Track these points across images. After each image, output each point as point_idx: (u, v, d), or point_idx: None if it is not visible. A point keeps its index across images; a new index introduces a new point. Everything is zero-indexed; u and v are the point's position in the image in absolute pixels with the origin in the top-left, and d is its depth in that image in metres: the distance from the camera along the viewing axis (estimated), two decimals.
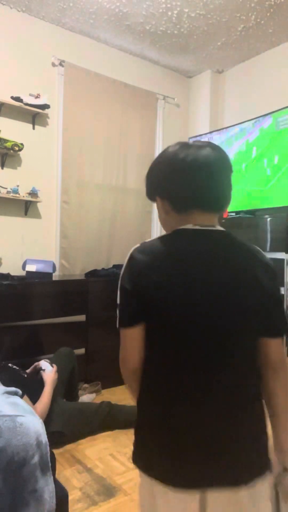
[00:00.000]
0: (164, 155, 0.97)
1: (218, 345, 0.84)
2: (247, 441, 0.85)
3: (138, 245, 0.92)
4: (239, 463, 0.82)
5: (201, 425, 0.83)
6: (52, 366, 2.32)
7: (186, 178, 0.88)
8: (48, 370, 2.26)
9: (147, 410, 0.90)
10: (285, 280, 2.86)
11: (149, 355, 0.89)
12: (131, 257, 0.89)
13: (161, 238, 0.91)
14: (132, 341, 0.90)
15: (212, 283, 0.84)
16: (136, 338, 0.88)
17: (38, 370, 2.28)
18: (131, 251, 0.90)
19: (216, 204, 0.91)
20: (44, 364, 2.33)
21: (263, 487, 0.85)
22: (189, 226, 0.89)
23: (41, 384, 2.18)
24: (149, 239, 0.93)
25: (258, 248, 0.94)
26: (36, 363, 2.37)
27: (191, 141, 1.01)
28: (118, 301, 0.90)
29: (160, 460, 0.84)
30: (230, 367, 0.85)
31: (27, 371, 2.34)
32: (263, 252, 0.93)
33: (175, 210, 0.92)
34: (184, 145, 0.91)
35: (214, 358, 0.84)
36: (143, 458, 0.89)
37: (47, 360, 2.41)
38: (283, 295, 2.87)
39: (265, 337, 0.89)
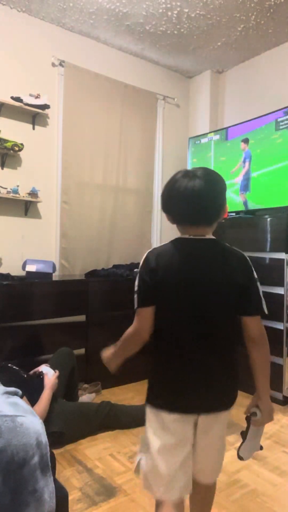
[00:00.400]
0: (170, 181, 1.29)
1: (203, 319, 1.19)
2: (225, 384, 1.24)
3: (150, 249, 1.26)
4: (221, 398, 1.24)
5: (193, 373, 1.21)
6: (55, 371, 2.31)
7: (179, 203, 1.22)
8: (50, 374, 2.26)
9: (157, 365, 1.30)
10: (285, 280, 2.86)
11: (157, 327, 1.23)
12: (146, 258, 1.23)
13: (166, 245, 1.25)
14: (146, 317, 1.22)
15: (199, 276, 1.19)
16: (148, 315, 1.22)
17: (38, 375, 2.28)
18: (146, 253, 1.24)
19: (202, 221, 1.22)
20: (45, 368, 2.32)
21: (230, 411, 1.28)
22: (186, 236, 1.24)
23: (41, 385, 2.18)
24: (161, 244, 1.27)
25: (239, 250, 1.26)
26: (37, 369, 2.35)
27: (189, 168, 1.42)
28: (135, 289, 1.22)
29: (167, 397, 1.26)
30: (211, 334, 1.20)
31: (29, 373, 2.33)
32: (242, 254, 1.25)
33: (176, 223, 1.26)
34: (184, 175, 1.25)
35: (200, 328, 1.19)
36: (154, 398, 1.32)
37: (47, 364, 2.40)
38: (282, 294, 2.88)
39: (245, 315, 1.21)
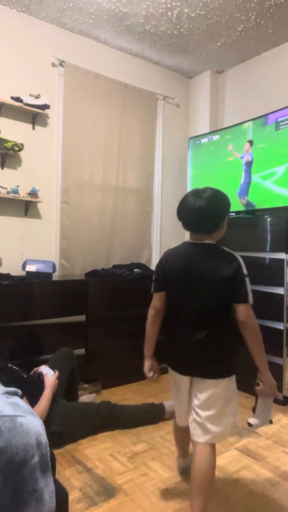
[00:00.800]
0: (184, 197, 1.64)
1: (194, 304, 1.58)
2: (209, 357, 1.58)
3: (166, 250, 1.75)
4: (205, 367, 1.58)
5: (186, 344, 1.61)
6: (54, 372, 2.31)
7: (185, 216, 1.62)
8: (50, 375, 2.26)
9: (167, 337, 1.70)
10: (285, 280, 2.86)
11: (167, 309, 1.70)
12: (161, 257, 1.73)
13: (177, 246, 1.71)
14: (157, 299, 1.72)
15: (192, 271, 1.59)
16: (159, 298, 1.71)
17: (38, 375, 2.27)
18: (164, 254, 1.74)
19: (201, 230, 1.62)
20: (45, 369, 2.32)
21: (221, 383, 1.58)
22: (190, 240, 1.67)
23: (40, 385, 2.18)
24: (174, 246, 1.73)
25: (231, 252, 1.59)
26: (36, 368, 2.36)
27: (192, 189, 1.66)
28: (153, 279, 1.73)
29: (172, 360, 1.71)
30: (201, 316, 1.57)
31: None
32: (233, 255, 1.58)
33: (185, 230, 1.68)
34: (193, 193, 1.60)
35: (192, 311, 1.59)
36: (166, 359, 1.73)
37: (46, 365, 2.40)
38: (282, 294, 2.88)
39: (234, 303, 1.53)
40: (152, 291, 1.74)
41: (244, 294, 1.51)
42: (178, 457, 2.02)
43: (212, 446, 1.60)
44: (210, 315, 1.56)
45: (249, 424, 1.58)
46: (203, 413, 1.59)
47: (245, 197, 3.36)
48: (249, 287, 1.53)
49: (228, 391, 1.60)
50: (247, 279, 1.53)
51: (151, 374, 1.79)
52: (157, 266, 1.72)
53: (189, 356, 1.62)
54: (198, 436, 1.60)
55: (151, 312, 1.76)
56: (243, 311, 1.51)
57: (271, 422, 1.63)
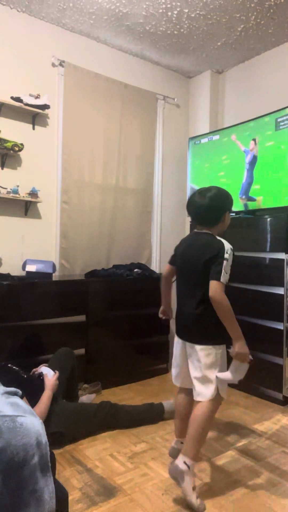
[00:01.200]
0: (191, 194, 2.01)
1: (188, 279, 1.94)
2: (195, 325, 1.89)
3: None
4: (191, 333, 1.91)
5: (182, 312, 1.98)
6: (55, 372, 2.31)
7: (191, 212, 1.99)
8: (50, 375, 2.26)
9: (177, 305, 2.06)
10: (285, 280, 2.86)
11: (176, 279, 2.08)
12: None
13: (187, 235, 2.11)
14: (169, 270, 2.17)
15: (189, 254, 1.95)
16: (168, 268, 2.17)
17: (39, 375, 2.27)
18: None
19: (204, 224, 1.95)
20: (45, 369, 2.32)
21: (207, 349, 1.84)
22: (195, 230, 2.02)
23: (40, 386, 2.18)
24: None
25: (220, 240, 1.87)
26: (35, 369, 2.35)
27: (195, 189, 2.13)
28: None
29: (176, 325, 2.03)
30: (193, 289, 1.90)
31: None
32: (220, 243, 1.85)
33: (193, 222, 2.06)
34: (199, 192, 1.96)
35: (187, 284, 1.95)
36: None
37: (46, 365, 2.40)
38: (282, 294, 2.88)
39: (209, 280, 1.79)
40: (168, 262, 2.19)
41: (217, 273, 1.77)
42: (175, 440, 2.09)
43: (208, 401, 1.83)
44: (198, 289, 1.86)
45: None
46: (196, 377, 1.88)
47: (246, 196, 3.36)
48: (226, 269, 1.77)
49: (209, 358, 1.83)
50: (225, 262, 1.77)
51: (161, 315, 2.29)
52: (175, 249, 2.14)
53: (184, 323, 1.96)
54: (194, 394, 1.90)
55: (162, 276, 2.24)
56: (213, 287, 1.76)
57: (238, 383, 1.87)
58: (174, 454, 2.04)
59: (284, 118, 3.08)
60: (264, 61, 3.70)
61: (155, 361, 3.47)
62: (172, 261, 2.13)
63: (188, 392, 2.00)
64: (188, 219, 4.10)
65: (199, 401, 1.85)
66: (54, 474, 1.10)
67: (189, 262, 1.92)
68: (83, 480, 1.95)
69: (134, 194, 3.85)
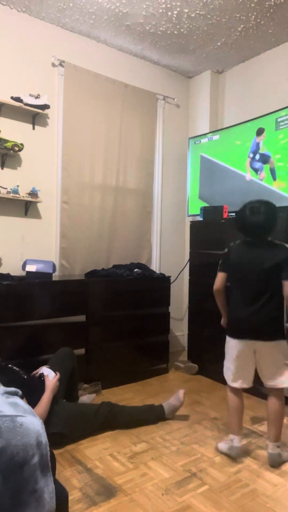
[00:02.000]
0: (240, 212, 2.16)
1: (258, 279, 2.08)
2: (271, 324, 2.08)
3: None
4: (267, 333, 2.07)
5: (249, 316, 2.09)
6: (56, 373, 2.30)
7: (245, 231, 2.17)
8: (51, 376, 2.25)
9: (229, 309, 2.26)
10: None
11: (231, 286, 2.23)
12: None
13: (238, 243, 2.24)
14: (223, 278, 2.26)
15: (252, 259, 2.12)
16: (225, 276, 2.26)
17: (39, 376, 2.27)
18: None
19: (261, 236, 2.13)
20: (46, 370, 2.31)
21: (279, 344, 2.08)
22: (247, 238, 2.19)
23: (41, 386, 2.17)
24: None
25: (282, 243, 2.11)
26: (37, 370, 2.35)
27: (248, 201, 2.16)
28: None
29: (232, 330, 2.19)
30: (260, 292, 2.07)
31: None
32: (285, 245, 2.09)
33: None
34: (249, 209, 2.10)
35: (257, 283, 2.09)
36: (228, 331, 2.21)
37: (48, 366, 2.40)
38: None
39: (283, 280, 2.04)
40: (218, 270, 2.28)
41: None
42: (233, 436, 2.19)
43: (281, 390, 2.12)
44: (266, 290, 2.06)
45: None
46: (266, 369, 2.12)
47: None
48: None
49: (283, 350, 2.08)
50: None
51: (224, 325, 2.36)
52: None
53: (254, 324, 2.10)
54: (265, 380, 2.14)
55: (217, 288, 2.31)
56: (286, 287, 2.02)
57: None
58: (236, 453, 2.17)
59: (284, 118, 3.08)
60: (264, 61, 3.70)
61: (155, 361, 3.47)
62: (224, 269, 2.24)
63: (241, 391, 2.21)
64: (189, 219, 4.10)
65: (275, 394, 2.11)
66: (54, 474, 1.10)
67: (253, 266, 2.07)
68: (83, 480, 1.95)
69: (134, 194, 3.85)
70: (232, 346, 2.16)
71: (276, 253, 2.04)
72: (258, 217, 2.04)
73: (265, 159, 3.24)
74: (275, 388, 2.12)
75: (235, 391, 2.20)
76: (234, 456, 2.16)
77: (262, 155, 3.27)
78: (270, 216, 2.06)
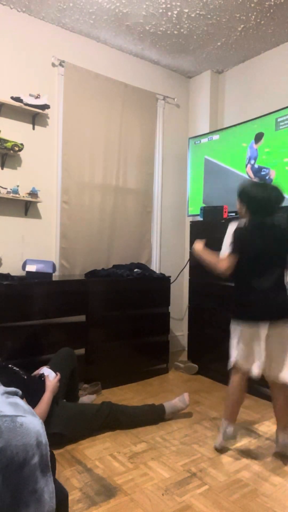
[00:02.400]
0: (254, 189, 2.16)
1: (273, 258, 2.10)
2: (280, 305, 2.08)
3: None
4: (278, 313, 2.06)
5: (259, 299, 2.07)
6: (56, 374, 2.30)
7: (261, 205, 2.14)
8: (51, 377, 2.25)
9: (236, 294, 2.18)
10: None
11: (237, 269, 2.12)
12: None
13: (249, 223, 2.15)
14: (234, 259, 2.10)
15: (269, 238, 2.12)
16: (235, 258, 2.10)
17: (40, 376, 2.27)
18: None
19: (273, 212, 2.15)
20: (46, 370, 2.31)
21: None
22: (257, 220, 2.15)
23: (41, 387, 2.17)
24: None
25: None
26: (36, 371, 2.34)
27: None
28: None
29: (244, 314, 2.11)
30: (270, 272, 2.07)
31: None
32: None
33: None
34: (261, 187, 2.15)
35: (272, 263, 2.09)
36: (235, 316, 2.14)
37: (48, 366, 2.40)
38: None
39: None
40: (229, 252, 2.15)
41: None
42: (226, 424, 2.21)
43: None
44: (277, 270, 2.09)
45: None
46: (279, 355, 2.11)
47: None
48: None
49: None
50: None
51: None
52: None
53: (268, 303, 2.09)
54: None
55: (226, 269, 2.19)
56: None
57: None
58: (229, 437, 2.24)
59: (284, 118, 3.08)
60: (264, 61, 3.70)
61: (155, 361, 3.47)
62: (235, 251, 2.09)
63: (246, 380, 2.17)
64: (189, 219, 4.10)
65: (282, 387, 2.10)
66: (54, 474, 1.10)
67: (266, 247, 2.06)
68: (83, 480, 1.95)
69: (134, 194, 3.85)
70: (243, 330, 2.09)
71: (284, 233, 2.10)
72: (273, 192, 2.06)
73: (265, 173, 3.23)
74: (283, 384, 2.10)
75: (240, 378, 2.15)
76: (225, 439, 2.22)
77: (260, 168, 3.29)
78: (280, 192, 2.07)
